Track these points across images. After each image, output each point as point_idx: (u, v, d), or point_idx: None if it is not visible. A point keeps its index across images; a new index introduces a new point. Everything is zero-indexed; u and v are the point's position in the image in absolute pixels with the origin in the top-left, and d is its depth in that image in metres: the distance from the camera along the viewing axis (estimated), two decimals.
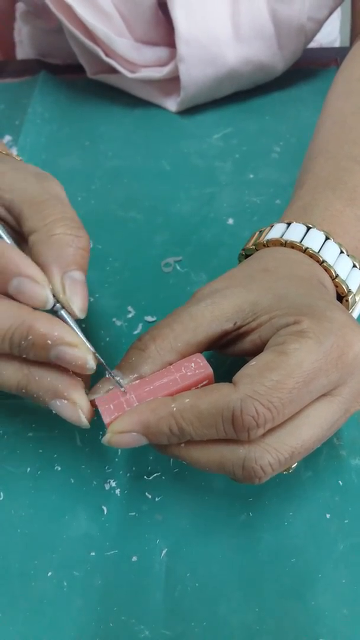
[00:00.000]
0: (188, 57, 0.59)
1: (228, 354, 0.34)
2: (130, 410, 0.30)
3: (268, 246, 0.37)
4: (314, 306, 0.30)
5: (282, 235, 0.37)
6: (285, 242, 0.36)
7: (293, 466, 0.32)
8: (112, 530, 0.35)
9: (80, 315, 0.31)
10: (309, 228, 0.37)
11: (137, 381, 0.31)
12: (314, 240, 0.36)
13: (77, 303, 0.31)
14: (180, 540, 0.35)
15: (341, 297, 0.37)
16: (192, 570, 0.34)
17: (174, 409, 0.28)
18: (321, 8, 0.59)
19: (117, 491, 0.37)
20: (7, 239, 0.32)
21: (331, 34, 0.87)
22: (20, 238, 0.34)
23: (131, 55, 0.61)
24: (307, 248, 0.36)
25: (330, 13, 0.61)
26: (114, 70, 0.64)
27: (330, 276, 0.36)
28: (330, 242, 0.37)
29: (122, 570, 0.34)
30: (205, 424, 0.28)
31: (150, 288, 0.48)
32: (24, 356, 0.30)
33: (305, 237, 0.36)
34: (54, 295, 0.30)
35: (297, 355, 0.28)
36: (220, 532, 0.35)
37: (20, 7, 0.81)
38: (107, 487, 0.37)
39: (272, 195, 0.55)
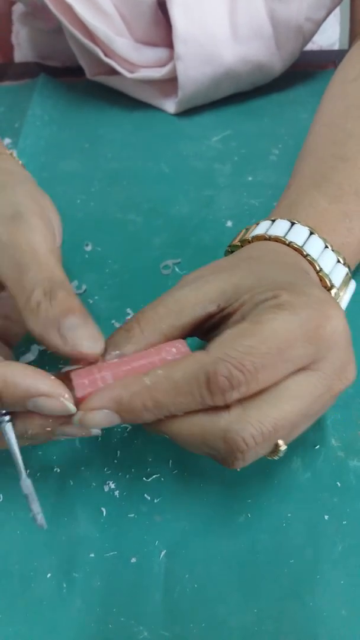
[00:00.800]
0: (185, 56, 0.59)
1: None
2: (103, 387, 0.29)
3: (252, 241, 0.38)
4: (294, 283, 0.30)
5: (267, 231, 0.37)
6: (270, 236, 0.37)
7: (282, 449, 0.30)
8: (111, 532, 0.35)
9: (96, 350, 0.30)
10: (293, 224, 0.37)
11: (115, 359, 0.31)
12: (298, 235, 0.37)
13: (84, 344, 0.30)
14: (179, 541, 0.35)
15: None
16: (191, 572, 0.34)
17: (148, 382, 0.28)
18: (319, 8, 0.60)
19: (116, 493, 0.37)
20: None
21: (331, 38, 0.88)
22: None
23: (131, 56, 0.61)
24: (291, 242, 0.36)
25: (328, 14, 0.61)
26: (113, 72, 0.64)
27: (315, 269, 0.36)
28: (314, 237, 0.37)
29: (121, 571, 0.34)
30: (182, 392, 0.28)
31: (149, 290, 0.48)
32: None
33: (289, 232, 0.37)
34: None
35: (271, 323, 0.28)
36: (219, 534, 0.35)
37: (18, 9, 0.81)
38: (106, 488, 0.37)
39: (271, 197, 0.55)
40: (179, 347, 0.31)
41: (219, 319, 0.32)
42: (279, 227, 0.38)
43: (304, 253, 0.36)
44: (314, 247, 0.37)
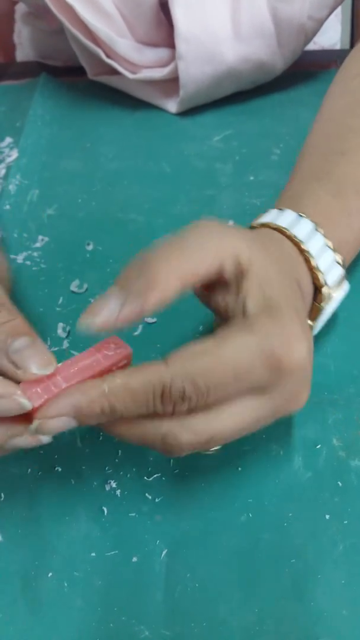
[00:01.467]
0: (187, 55, 0.59)
1: (203, 300, 0.34)
2: (59, 394, 0.28)
3: (256, 227, 0.38)
4: (280, 309, 0.30)
5: (274, 220, 0.37)
6: (276, 227, 0.37)
7: (215, 448, 0.32)
8: (113, 531, 0.35)
9: (44, 371, 0.29)
10: (300, 217, 0.37)
11: (60, 364, 0.30)
12: (302, 229, 0.37)
13: (32, 366, 0.29)
14: (180, 541, 0.35)
15: (316, 288, 0.37)
16: (192, 571, 0.34)
17: (106, 389, 0.28)
18: (322, 7, 0.60)
19: (118, 492, 0.37)
20: None
21: (332, 38, 0.88)
22: None
23: (132, 56, 0.61)
24: (295, 237, 0.36)
25: (331, 12, 0.61)
26: (114, 72, 0.64)
27: (310, 267, 0.36)
28: (316, 234, 0.37)
29: (123, 570, 0.34)
30: (137, 401, 0.28)
31: None
32: None
33: (294, 226, 0.37)
34: None
35: (234, 346, 0.28)
36: (220, 533, 0.35)
37: (20, 8, 0.81)
38: (107, 488, 0.37)
39: (272, 197, 0.54)
40: (117, 342, 0.31)
41: (217, 283, 0.32)
42: (286, 218, 0.37)
43: (303, 248, 0.36)
44: (315, 244, 0.36)
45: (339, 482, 0.36)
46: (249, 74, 0.63)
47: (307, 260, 0.36)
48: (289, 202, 0.40)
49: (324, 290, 0.36)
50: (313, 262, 0.36)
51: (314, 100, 0.65)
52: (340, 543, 0.34)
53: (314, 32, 0.62)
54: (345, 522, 0.35)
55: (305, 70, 0.69)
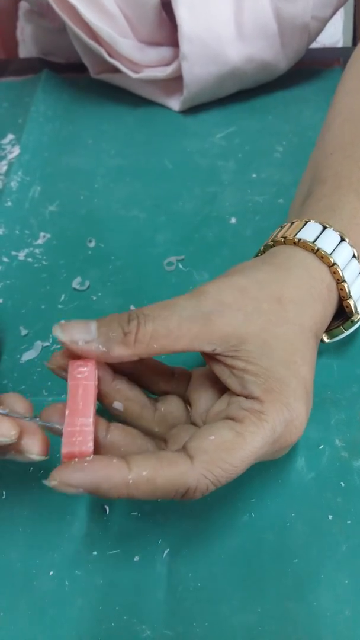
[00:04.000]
0: (191, 55, 0.59)
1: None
2: (82, 467, 0.28)
3: (298, 244, 0.36)
4: (284, 385, 0.31)
5: (315, 239, 0.36)
6: (317, 250, 0.35)
7: None
8: (114, 530, 0.35)
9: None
10: (341, 238, 0.36)
11: (69, 401, 0.31)
12: (342, 254, 0.36)
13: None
14: (182, 540, 0.35)
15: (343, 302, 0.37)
16: (194, 571, 0.34)
17: (130, 480, 0.28)
18: (325, 7, 0.59)
19: None
20: None
21: (334, 35, 0.87)
22: None
23: (135, 56, 0.61)
24: (335, 264, 0.35)
25: (334, 12, 0.61)
26: (117, 70, 0.64)
27: (337, 279, 0.35)
28: (354, 262, 0.36)
29: (124, 570, 0.34)
30: (157, 495, 0.29)
31: (153, 287, 0.48)
32: None
33: (335, 250, 0.36)
34: None
35: (253, 441, 0.29)
36: (222, 533, 0.35)
37: (23, 6, 0.81)
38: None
39: (275, 194, 0.55)
40: (89, 365, 0.32)
41: (206, 355, 0.33)
42: (328, 240, 0.36)
43: (341, 279, 0.35)
44: (342, 255, 0.36)
45: (342, 483, 0.36)
46: (252, 74, 0.63)
47: (340, 286, 0.36)
48: (329, 213, 0.38)
49: (351, 303, 0.36)
50: (347, 291, 0.36)
51: (317, 98, 0.65)
52: (343, 543, 0.34)
53: (318, 32, 0.62)
54: (348, 522, 0.35)
55: (309, 68, 0.69)
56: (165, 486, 0.28)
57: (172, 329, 0.31)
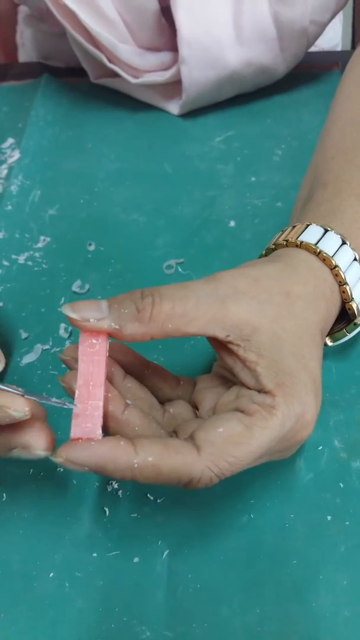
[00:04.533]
0: (190, 60, 0.59)
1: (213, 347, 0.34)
2: (90, 446, 0.29)
3: (300, 247, 0.36)
4: (295, 378, 0.31)
5: (317, 242, 0.36)
6: (319, 252, 0.36)
7: None
8: (114, 532, 0.35)
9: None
10: (343, 242, 0.36)
11: (79, 381, 0.31)
12: (343, 257, 0.36)
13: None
14: (181, 541, 0.35)
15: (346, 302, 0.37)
16: (194, 572, 0.34)
17: (135, 464, 0.28)
18: (324, 11, 0.60)
19: (120, 493, 0.37)
20: None
21: (333, 39, 0.88)
22: None
23: (134, 61, 0.62)
24: (337, 267, 0.35)
25: (333, 16, 0.61)
26: (116, 75, 0.64)
27: (339, 282, 0.36)
28: (356, 264, 0.37)
29: (124, 571, 0.34)
30: (160, 480, 0.29)
31: None
32: None
33: (336, 253, 0.36)
34: None
35: (261, 435, 0.29)
36: (221, 534, 0.35)
37: (22, 10, 0.82)
38: (109, 488, 0.37)
39: (274, 197, 0.55)
40: (101, 339, 0.31)
41: (218, 342, 0.32)
42: (329, 243, 0.36)
43: (343, 281, 0.36)
44: (344, 258, 0.36)
45: (341, 484, 0.36)
46: (251, 78, 0.63)
47: (342, 288, 0.36)
48: (330, 216, 0.39)
49: (354, 306, 0.36)
50: (349, 293, 0.36)
51: (316, 102, 0.66)
52: (342, 544, 0.34)
53: (316, 36, 0.62)
54: (347, 523, 0.35)
55: (307, 72, 0.69)
56: (170, 474, 0.28)
57: (188, 309, 0.31)
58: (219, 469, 0.29)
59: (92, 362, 0.31)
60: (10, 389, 0.29)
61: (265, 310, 0.32)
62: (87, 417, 0.30)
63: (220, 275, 0.33)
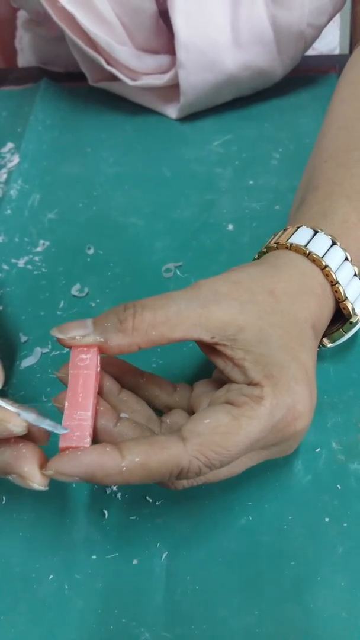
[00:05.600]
0: (187, 63, 0.59)
1: (204, 352, 0.35)
2: (76, 456, 0.29)
3: (290, 249, 0.37)
4: (284, 369, 0.31)
5: (307, 243, 0.36)
6: (309, 253, 0.36)
7: None
8: (113, 534, 0.36)
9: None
10: (333, 242, 0.37)
11: (69, 393, 0.31)
12: (334, 258, 0.36)
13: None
14: (180, 543, 0.35)
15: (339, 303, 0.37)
16: (192, 573, 0.34)
17: (124, 468, 0.28)
18: (321, 14, 0.60)
19: (118, 495, 0.37)
20: None
21: (331, 43, 0.88)
22: None
23: (132, 63, 0.62)
24: (327, 267, 0.36)
25: (330, 19, 0.62)
26: (115, 78, 0.64)
27: (330, 282, 0.36)
28: (347, 264, 0.37)
29: (123, 573, 0.34)
30: (152, 478, 0.29)
31: (151, 293, 0.47)
32: None
33: (327, 253, 0.36)
34: None
35: (248, 425, 0.29)
36: (220, 536, 0.35)
37: (21, 15, 0.82)
38: (108, 490, 0.37)
39: (272, 201, 0.55)
40: (91, 353, 0.32)
41: (206, 345, 0.33)
42: (319, 243, 0.37)
43: (334, 281, 0.36)
44: (335, 258, 0.36)
45: (338, 485, 0.36)
46: (248, 81, 0.63)
47: (334, 288, 0.36)
48: (320, 218, 0.39)
49: (349, 306, 0.36)
50: (342, 293, 0.36)
51: (314, 105, 0.66)
52: (339, 546, 0.34)
53: (313, 39, 0.63)
54: (345, 525, 0.35)
55: (305, 76, 0.70)
56: (159, 469, 0.29)
57: (170, 316, 0.31)
58: (206, 458, 0.29)
59: (81, 375, 0.31)
60: (8, 406, 0.30)
61: (248, 309, 0.33)
62: (75, 427, 0.30)
63: (201, 282, 0.34)
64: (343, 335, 0.38)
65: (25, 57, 0.83)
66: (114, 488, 0.37)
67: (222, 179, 0.58)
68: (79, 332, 0.32)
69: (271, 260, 0.37)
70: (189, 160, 0.61)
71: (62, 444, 0.30)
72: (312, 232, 0.37)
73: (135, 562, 0.35)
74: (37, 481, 0.30)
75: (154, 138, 0.64)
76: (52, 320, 0.47)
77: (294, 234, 0.37)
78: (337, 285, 0.36)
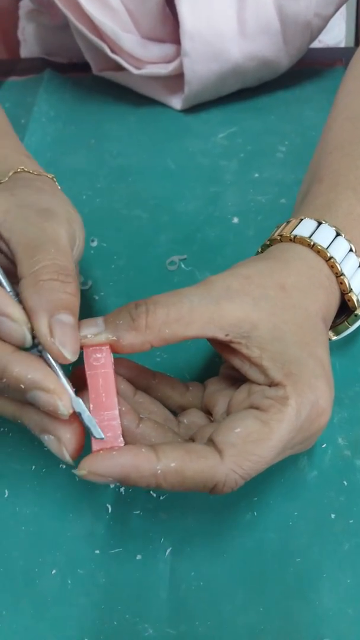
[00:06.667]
0: (192, 52, 0.59)
1: (217, 350, 0.34)
2: (111, 456, 0.28)
3: (294, 241, 0.36)
4: (302, 365, 0.31)
5: (311, 235, 0.36)
6: (313, 244, 0.36)
7: None
8: (117, 529, 0.35)
9: (71, 357, 0.30)
10: (337, 234, 0.36)
11: (92, 395, 0.31)
12: (339, 249, 0.36)
13: (67, 346, 0.29)
14: (184, 539, 0.35)
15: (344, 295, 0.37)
16: (197, 569, 0.34)
17: (159, 471, 0.28)
18: (328, 4, 0.59)
19: (122, 489, 0.37)
20: None
21: (337, 37, 0.87)
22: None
23: (137, 52, 0.61)
24: (332, 258, 0.35)
25: (337, 9, 0.61)
26: (119, 68, 0.64)
27: (335, 273, 0.35)
28: (352, 256, 0.36)
29: (127, 568, 0.34)
30: (185, 486, 0.29)
31: (155, 286, 0.48)
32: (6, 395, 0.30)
33: (331, 244, 0.36)
34: (34, 338, 0.30)
35: (279, 429, 0.29)
36: (224, 532, 0.35)
37: (24, 5, 0.81)
38: (111, 485, 0.37)
39: (277, 194, 0.55)
40: (104, 351, 0.31)
41: (220, 343, 0.32)
42: (323, 234, 0.36)
43: (339, 273, 0.35)
44: (339, 249, 0.36)
45: (345, 481, 0.36)
46: (254, 71, 0.63)
47: (339, 279, 0.36)
48: (324, 210, 0.39)
49: (354, 297, 0.36)
50: (347, 284, 0.36)
51: (319, 98, 0.65)
52: (345, 542, 0.34)
53: (320, 30, 0.62)
54: (351, 521, 0.35)
55: (311, 68, 0.69)
56: (194, 479, 0.28)
57: (183, 313, 0.31)
58: (243, 470, 0.28)
59: (100, 375, 0.31)
60: (68, 387, 0.30)
61: (261, 305, 0.32)
62: (104, 428, 0.30)
63: (212, 278, 0.33)
64: (348, 328, 0.38)
65: (28, 48, 0.83)
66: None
67: (227, 171, 0.58)
68: (90, 331, 0.31)
69: (277, 253, 0.36)
70: (193, 152, 0.60)
71: (95, 446, 0.29)
72: (315, 223, 0.37)
73: (139, 557, 0.34)
74: (70, 449, 0.29)
75: (159, 130, 0.63)
76: None
77: (298, 226, 0.37)
78: (342, 277, 0.35)
